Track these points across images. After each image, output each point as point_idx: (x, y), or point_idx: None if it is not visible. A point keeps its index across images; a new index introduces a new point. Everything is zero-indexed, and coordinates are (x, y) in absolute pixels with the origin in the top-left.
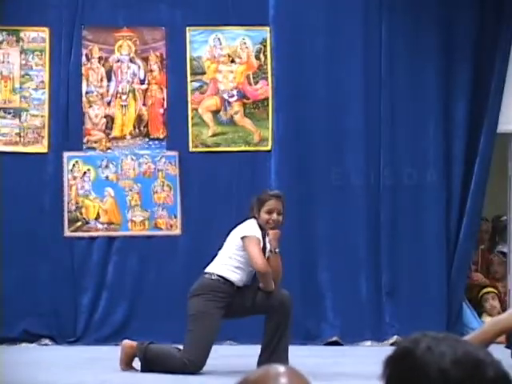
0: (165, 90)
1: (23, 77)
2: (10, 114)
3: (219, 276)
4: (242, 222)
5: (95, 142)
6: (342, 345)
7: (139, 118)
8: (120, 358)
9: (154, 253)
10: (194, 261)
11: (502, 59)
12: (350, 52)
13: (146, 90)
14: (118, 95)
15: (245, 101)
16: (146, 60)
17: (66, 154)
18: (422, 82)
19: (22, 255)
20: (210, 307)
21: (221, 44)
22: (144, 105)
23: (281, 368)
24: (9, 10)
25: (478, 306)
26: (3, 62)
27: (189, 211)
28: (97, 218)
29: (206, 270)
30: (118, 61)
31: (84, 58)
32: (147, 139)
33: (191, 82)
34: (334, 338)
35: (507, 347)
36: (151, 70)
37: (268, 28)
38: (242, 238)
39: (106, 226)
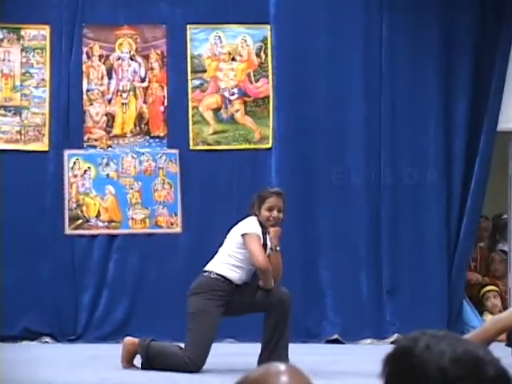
0: (165, 88)
1: (24, 75)
2: (10, 111)
3: (218, 274)
4: (242, 219)
5: (96, 140)
6: (342, 343)
7: (140, 116)
8: (121, 355)
9: (155, 251)
10: (195, 259)
11: (503, 58)
12: (350, 50)
13: (147, 87)
14: (119, 93)
15: (245, 99)
16: (146, 58)
17: (66, 152)
18: (423, 80)
19: (23, 253)
20: (210, 306)
21: (221, 42)
22: (145, 103)
23: (281, 366)
24: (10, 8)
25: (479, 304)
26: (4, 60)
27: (189, 209)
28: (97, 216)
29: (206, 268)
30: (119, 59)
31: (85, 56)
32: (148, 137)
33: (192, 79)
34: (335, 336)
35: (508, 345)
36: (152, 68)
37: (269, 26)
38: (243, 236)
39: (106, 223)
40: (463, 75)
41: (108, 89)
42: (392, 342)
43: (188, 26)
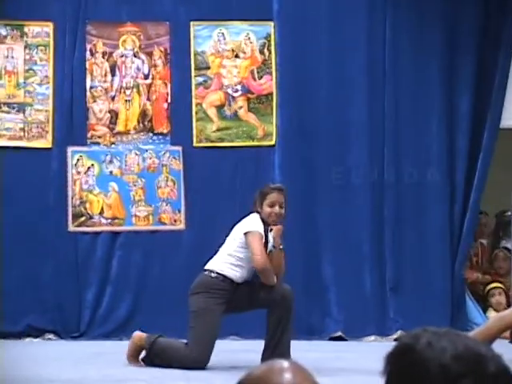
0: (169, 85)
1: (27, 72)
2: (14, 108)
3: (218, 273)
4: (245, 216)
5: (99, 137)
6: (345, 340)
7: (143, 113)
8: (128, 349)
9: (158, 248)
10: (198, 256)
11: (506, 54)
12: (353, 48)
13: (150, 84)
14: (122, 90)
15: (249, 96)
16: (150, 55)
17: (70, 149)
18: (426, 79)
19: (26, 250)
20: (211, 303)
21: (225, 39)
22: (148, 100)
23: (285, 363)
24: (13, 5)
25: (484, 300)
26: (7, 57)
27: (193, 206)
28: (101, 213)
29: (206, 266)
30: (122, 56)
31: (88, 53)
32: (151, 134)
33: (195, 76)
34: (338, 333)
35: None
36: (155, 65)
37: (272, 23)
38: (245, 234)
39: (110, 220)
40: (466, 74)
41: (111, 86)
42: (395, 339)
43: (191, 23)
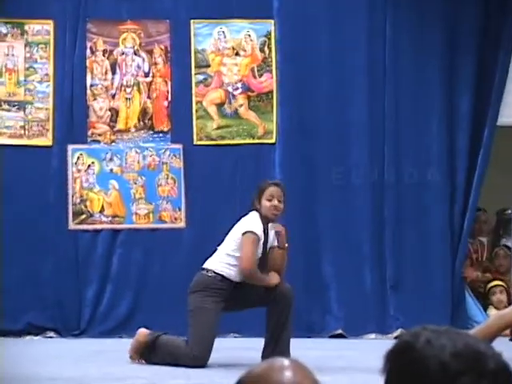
0: (169, 83)
1: (28, 70)
2: (14, 106)
3: (215, 273)
4: (245, 215)
5: (100, 135)
6: (346, 338)
7: (144, 111)
8: (131, 346)
9: (159, 246)
10: (198, 254)
11: (506, 54)
12: (354, 47)
13: (151, 82)
14: (123, 88)
15: (249, 94)
16: (150, 53)
17: (70, 147)
18: (426, 79)
19: (27, 248)
20: (208, 302)
21: (225, 37)
22: (148, 98)
23: (285, 361)
24: (13, 3)
25: (484, 298)
26: (8, 55)
27: (193, 204)
28: (101, 211)
29: (204, 265)
30: (123, 54)
31: (88, 51)
32: (152, 132)
33: (195, 74)
34: (339, 331)
35: None
36: (155, 63)
37: (272, 21)
38: (243, 234)
39: (110, 218)
40: (466, 74)
41: (112, 84)
42: (395, 337)
43: (192, 21)
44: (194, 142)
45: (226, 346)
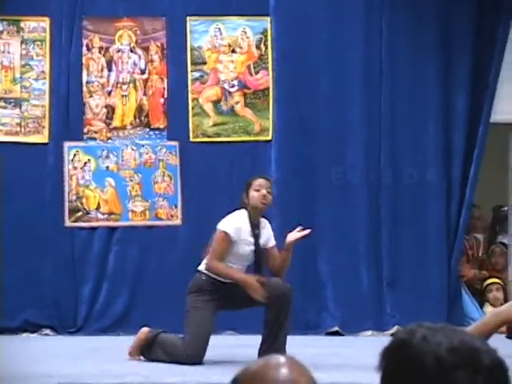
0: (165, 80)
1: (24, 67)
2: (10, 104)
3: (208, 276)
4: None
5: (96, 132)
6: (342, 335)
7: (140, 108)
8: (132, 344)
9: (155, 243)
10: (195, 251)
11: (500, 51)
12: (350, 48)
13: (147, 79)
14: (119, 85)
15: (245, 91)
16: (146, 50)
17: (66, 144)
18: (422, 80)
19: (23, 246)
20: (202, 302)
21: (221, 34)
22: (144, 95)
23: (281, 358)
24: (9, 0)
25: (480, 295)
26: (4, 52)
27: (189, 201)
28: (97, 209)
29: (199, 267)
30: (119, 51)
31: (84, 48)
32: (148, 129)
33: (192, 71)
34: (335, 329)
35: (508, 337)
36: (152, 60)
37: (269, 18)
38: (216, 230)
39: (106, 216)
40: (462, 74)
41: (108, 81)
42: (392, 335)
43: (188, 18)
44: (191, 140)
45: (222, 343)
